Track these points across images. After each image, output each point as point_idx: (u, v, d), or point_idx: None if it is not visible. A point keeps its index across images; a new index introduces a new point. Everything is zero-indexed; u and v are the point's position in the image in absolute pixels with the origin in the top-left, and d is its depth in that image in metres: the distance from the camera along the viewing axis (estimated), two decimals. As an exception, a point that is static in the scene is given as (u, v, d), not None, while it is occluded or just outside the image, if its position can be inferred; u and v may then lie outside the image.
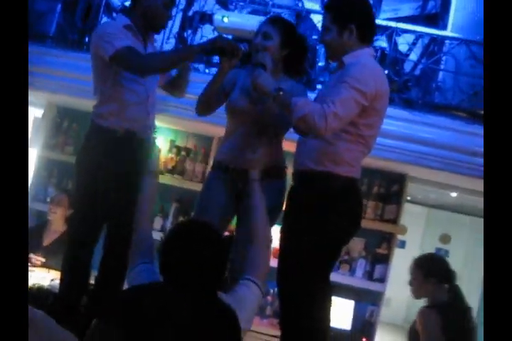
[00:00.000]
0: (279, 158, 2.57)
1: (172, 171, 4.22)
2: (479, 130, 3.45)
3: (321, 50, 4.07)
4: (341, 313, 3.95)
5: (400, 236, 4.38)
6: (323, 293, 2.28)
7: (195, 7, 4.43)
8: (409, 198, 4.87)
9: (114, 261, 2.56)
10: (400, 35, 4.25)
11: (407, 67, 4.52)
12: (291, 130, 2.39)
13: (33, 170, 4.36)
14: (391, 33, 4.09)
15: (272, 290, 4.03)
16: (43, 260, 3.60)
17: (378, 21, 4.04)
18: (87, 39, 4.28)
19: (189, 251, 1.63)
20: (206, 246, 1.65)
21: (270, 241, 1.97)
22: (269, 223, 2.46)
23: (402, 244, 6.12)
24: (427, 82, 4.25)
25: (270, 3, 4.24)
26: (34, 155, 4.37)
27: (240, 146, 2.49)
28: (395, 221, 4.09)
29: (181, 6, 4.30)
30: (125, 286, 2.24)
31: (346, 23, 2.27)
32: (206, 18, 4.37)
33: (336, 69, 2.46)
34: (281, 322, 2.39)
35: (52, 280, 3.17)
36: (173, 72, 2.81)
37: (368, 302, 4.13)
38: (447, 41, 4.23)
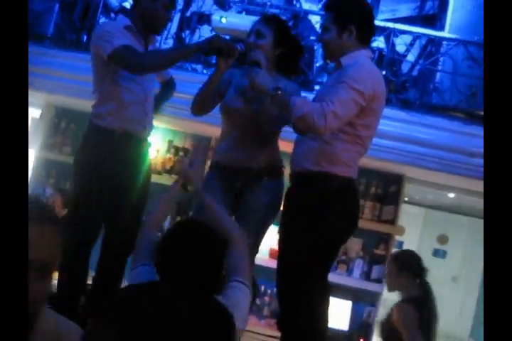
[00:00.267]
0: (276, 158, 2.56)
1: (170, 171, 4.22)
2: (477, 131, 3.47)
3: (319, 50, 4.08)
4: (339, 314, 3.95)
5: (397, 237, 4.38)
6: (321, 293, 2.28)
7: (193, 8, 4.44)
8: (406, 199, 4.87)
9: (111, 261, 2.56)
10: (397, 36, 4.27)
11: (405, 67, 4.53)
12: (289, 130, 2.39)
13: (31, 171, 4.36)
14: (389, 34, 4.10)
15: (269, 291, 4.03)
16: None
17: (376, 22, 4.04)
18: (85, 39, 4.28)
19: (186, 250, 1.64)
20: (203, 245, 1.66)
21: (244, 239, 2.00)
22: (268, 222, 2.47)
23: (400, 245, 6.12)
24: (425, 82, 4.27)
25: (268, 3, 4.25)
26: (32, 155, 4.37)
27: (236, 146, 2.49)
28: (392, 221, 4.10)
29: (179, 7, 4.30)
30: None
31: (346, 24, 2.28)
32: (204, 18, 4.38)
33: (333, 69, 2.46)
34: (280, 323, 2.39)
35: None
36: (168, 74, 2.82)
37: (365, 302, 4.14)
38: (445, 42, 4.24)
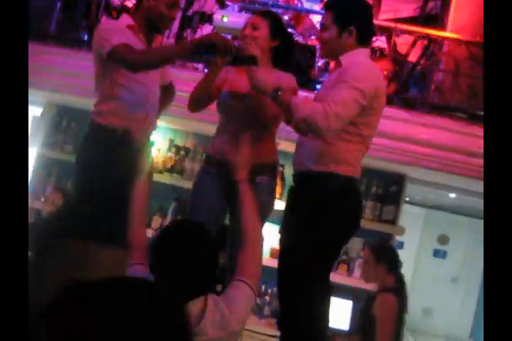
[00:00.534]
0: (270, 156, 2.56)
1: (171, 170, 4.21)
2: (478, 131, 3.46)
3: (320, 50, 4.07)
4: (339, 313, 3.95)
5: (398, 237, 4.37)
6: (322, 293, 2.28)
7: (195, 7, 4.43)
8: (407, 199, 4.87)
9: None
10: (399, 36, 4.26)
11: (406, 67, 4.52)
12: (291, 130, 2.39)
13: (32, 169, 4.36)
14: (390, 34, 4.09)
15: (269, 290, 4.03)
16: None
17: (377, 22, 4.04)
18: (86, 37, 4.28)
19: (179, 249, 1.66)
20: (195, 244, 1.67)
21: (261, 241, 1.95)
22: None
23: (401, 245, 6.12)
24: (426, 82, 4.26)
25: (270, 3, 4.25)
26: (33, 154, 4.36)
27: (230, 141, 2.49)
28: (393, 222, 4.09)
29: (181, 6, 4.29)
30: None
31: (346, 24, 2.28)
32: (206, 17, 4.38)
33: (333, 68, 2.46)
34: (280, 322, 2.39)
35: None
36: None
37: (365, 302, 4.13)
38: (446, 42, 4.23)
